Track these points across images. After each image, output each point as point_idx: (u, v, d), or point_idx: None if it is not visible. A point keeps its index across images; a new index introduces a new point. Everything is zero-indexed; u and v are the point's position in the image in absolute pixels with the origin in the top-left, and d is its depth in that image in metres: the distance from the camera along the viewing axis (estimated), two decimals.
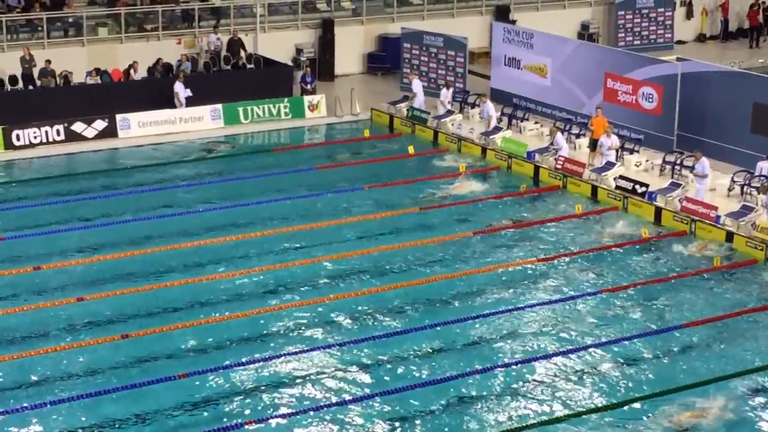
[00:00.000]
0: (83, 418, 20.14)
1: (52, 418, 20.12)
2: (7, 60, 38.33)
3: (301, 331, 23.61)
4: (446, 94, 38.34)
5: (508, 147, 34.97)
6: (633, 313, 24.91)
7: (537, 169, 33.66)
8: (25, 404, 20.41)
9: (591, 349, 22.99)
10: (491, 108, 36.79)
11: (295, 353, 22.54)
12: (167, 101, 37.84)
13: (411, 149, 35.57)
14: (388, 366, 22.29)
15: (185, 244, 27.73)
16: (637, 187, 31.21)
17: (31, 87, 37.91)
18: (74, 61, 39.10)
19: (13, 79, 37.97)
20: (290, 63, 42.57)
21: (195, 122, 38.09)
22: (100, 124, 36.79)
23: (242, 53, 41.41)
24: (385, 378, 21.81)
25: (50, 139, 36.16)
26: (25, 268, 26.37)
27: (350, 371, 22.02)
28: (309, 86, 40.63)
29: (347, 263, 27.04)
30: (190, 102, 37.85)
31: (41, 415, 20.17)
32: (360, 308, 24.68)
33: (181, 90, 37.76)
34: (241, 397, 21.00)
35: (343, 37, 44.05)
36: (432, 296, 25.45)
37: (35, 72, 37.98)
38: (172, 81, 38.54)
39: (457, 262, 27.36)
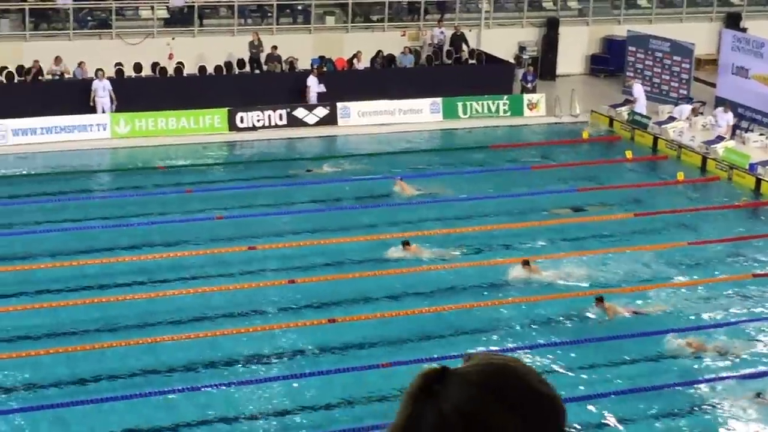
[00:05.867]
0: (283, 399, 20.43)
1: (255, 396, 20.49)
2: (237, 43, 39.37)
3: (494, 331, 23.39)
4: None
5: (729, 157, 34.10)
6: None
7: (759, 182, 32.71)
8: (233, 380, 20.86)
9: None
10: (730, 117, 35.71)
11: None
12: (382, 93, 38.15)
13: (629, 154, 35.03)
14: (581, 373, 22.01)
15: (395, 234, 27.88)
16: None
17: (257, 71, 38.85)
18: (300, 47, 39.88)
19: (240, 63, 39.00)
20: (512, 60, 42.43)
21: (414, 114, 38.37)
22: (321, 111, 37.42)
23: (465, 48, 41.52)
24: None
25: (272, 123, 36.96)
26: (240, 247, 27.01)
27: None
28: (530, 85, 40.45)
29: (550, 265, 26.64)
30: (322, 98, 37.62)
31: (248, 391, 20.57)
32: (554, 312, 24.34)
33: (313, 84, 37.77)
34: None
35: (567, 37, 43.68)
36: (637, 305, 24.95)
37: (262, 57, 38.91)
38: (391, 72, 39.03)
39: (670, 272, 26.72)
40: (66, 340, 22.00)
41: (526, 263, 25.59)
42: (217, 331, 22.58)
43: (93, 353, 21.53)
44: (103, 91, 35.38)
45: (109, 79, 36.22)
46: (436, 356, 21.64)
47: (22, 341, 21.93)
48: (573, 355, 22.36)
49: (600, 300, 24.01)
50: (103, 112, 35.38)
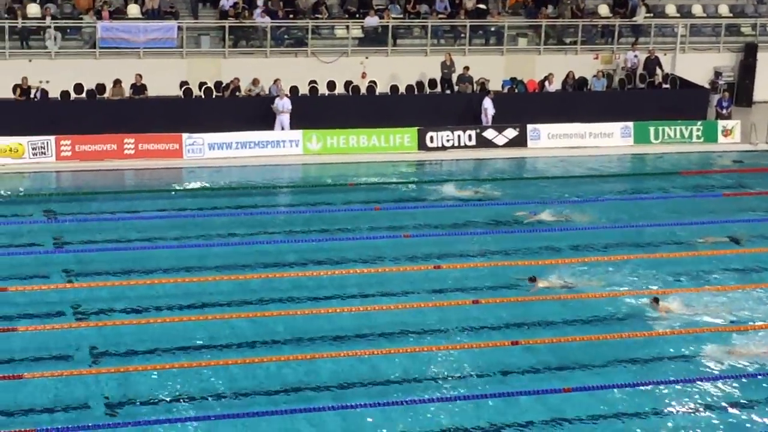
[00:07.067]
0: (456, 419, 20.30)
1: (425, 416, 20.43)
2: (429, 64, 39.71)
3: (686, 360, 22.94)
4: None
5: None
6: None
7: None
8: (414, 398, 20.88)
9: None
10: None
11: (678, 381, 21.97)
12: (572, 116, 38.01)
13: None
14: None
15: (584, 259, 27.64)
16: None
17: (448, 92, 39.07)
18: (491, 69, 39.98)
19: (432, 83, 39.29)
20: (707, 86, 41.70)
21: (604, 138, 38.07)
22: (510, 133, 37.43)
23: (659, 72, 40.98)
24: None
25: (461, 144, 37.12)
26: (426, 266, 27.15)
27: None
28: (725, 111, 39.68)
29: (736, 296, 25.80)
30: (495, 120, 37.66)
31: (418, 410, 20.55)
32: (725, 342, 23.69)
33: (489, 107, 37.68)
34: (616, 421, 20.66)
35: (765, 63, 42.72)
36: None
37: (454, 77, 39.12)
38: (582, 95, 38.83)
39: None
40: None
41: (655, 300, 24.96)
42: (401, 349, 22.66)
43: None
44: (282, 109, 36.14)
45: (302, 96, 37.10)
46: (616, 383, 21.43)
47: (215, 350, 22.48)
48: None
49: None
50: (282, 129, 36.13)
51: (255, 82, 37.34)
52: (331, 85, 38.65)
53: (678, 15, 44.16)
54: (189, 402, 20.38)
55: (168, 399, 20.45)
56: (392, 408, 20.32)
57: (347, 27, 40.38)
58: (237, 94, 37.34)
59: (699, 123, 38.96)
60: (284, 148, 35.88)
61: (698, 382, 21.67)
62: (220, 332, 23.14)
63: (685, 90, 40.71)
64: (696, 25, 43.73)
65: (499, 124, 37.33)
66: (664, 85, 40.89)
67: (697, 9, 44.60)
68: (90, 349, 22.27)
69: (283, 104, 36.22)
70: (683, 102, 40.04)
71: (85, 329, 23.08)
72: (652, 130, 38.49)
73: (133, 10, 39.55)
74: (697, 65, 42.48)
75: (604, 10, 43.51)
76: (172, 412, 19.94)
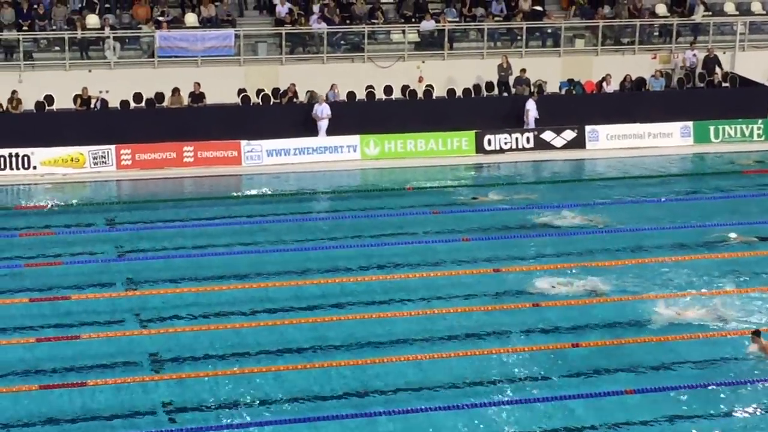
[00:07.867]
0: (501, 426, 20.19)
1: (478, 420, 20.35)
2: (486, 66, 39.63)
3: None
4: None
5: None
6: None
7: None
8: (466, 402, 20.79)
9: None
10: None
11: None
12: (631, 116, 37.84)
13: None
14: None
15: (626, 261, 27.37)
16: None
17: (505, 94, 38.99)
18: (548, 70, 39.85)
19: (489, 86, 39.23)
20: (767, 83, 41.32)
21: (663, 138, 37.84)
22: (569, 134, 37.29)
23: (718, 71, 40.64)
24: None
25: (519, 146, 37.04)
26: (485, 269, 27.08)
27: None
28: None
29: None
30: (547, 122, 37.43)
31: (471, 414, 20.39)
32: None
33: (532, 108, 37.46)
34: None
35: None
36: None
37: (511, 80, 39.03)
38: (640, 96, 38.61)
39: None
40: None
41: None
42: (453, 353, 22.62)
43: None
44: (321, 115, 36.22)
45: (359, 101, 37.25)
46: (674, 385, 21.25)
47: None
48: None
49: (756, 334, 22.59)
50: (320, 134, 36.28)
51: (312, 95, 37.44)
52: (388, 89, 38.71)
53: (737, 13, 43.76)
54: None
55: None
56: (446, 412, 20.24)
57: (403, 32, 40.42)
58: (294, 100, 37.49)
59: (760, 121, 38.62)
60: (342, 153, 35.98)
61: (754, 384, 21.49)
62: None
63: (745, 88, 40.36)
64: (755, 23, 43.31)
65: (557, 126, 37.20)
66: (724, 84, 40.57)
67: (756, 6, 44.18)
68: (150, 355, 22.47)
69: (322, 110, 36.31)
70: (743, 100, 39.69)
71: (147, 336, 23.28)
72: (712, 129, 38.20)
73: (191, 19, 39.83)
74: (757, 63, 42.04)
75: (661, 9, 43.23)
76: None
